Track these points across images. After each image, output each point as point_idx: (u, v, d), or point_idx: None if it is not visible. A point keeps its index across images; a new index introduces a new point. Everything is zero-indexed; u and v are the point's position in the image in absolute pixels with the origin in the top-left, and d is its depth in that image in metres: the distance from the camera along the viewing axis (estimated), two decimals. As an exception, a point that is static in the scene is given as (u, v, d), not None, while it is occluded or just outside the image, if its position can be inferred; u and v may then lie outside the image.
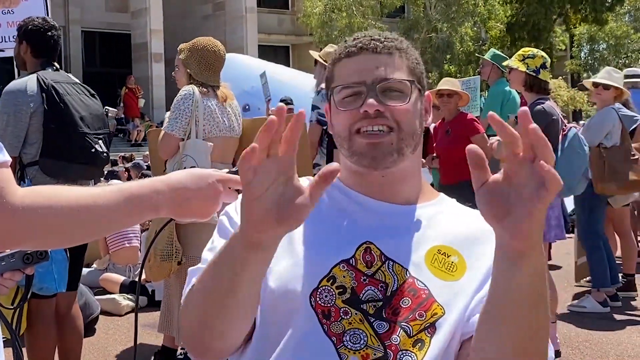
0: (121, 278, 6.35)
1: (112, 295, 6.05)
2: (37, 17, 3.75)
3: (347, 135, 1.37)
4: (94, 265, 6.77)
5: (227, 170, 1.42)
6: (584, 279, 6.42)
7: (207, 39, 4.23)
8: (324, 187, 1.02)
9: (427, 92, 1.44)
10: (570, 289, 6.46)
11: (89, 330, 5.20)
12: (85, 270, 5.85)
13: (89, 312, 5.23)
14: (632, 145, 5.55)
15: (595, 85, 5.75)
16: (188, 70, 4.09)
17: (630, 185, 5.44)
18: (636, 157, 5.46)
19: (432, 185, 6.05)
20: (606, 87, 5.65)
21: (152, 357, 4.39)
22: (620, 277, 6.07)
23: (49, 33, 3.70)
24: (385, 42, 1.38)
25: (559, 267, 7.33)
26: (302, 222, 1.04)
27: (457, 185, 5.61)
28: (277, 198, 1.03)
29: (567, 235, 5.47)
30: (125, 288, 6.19)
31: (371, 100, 1.33)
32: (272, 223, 1.04)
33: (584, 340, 4.92)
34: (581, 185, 4.64)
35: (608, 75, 5.72)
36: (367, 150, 1.34)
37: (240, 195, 1.39)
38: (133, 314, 5.71)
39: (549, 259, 6.73)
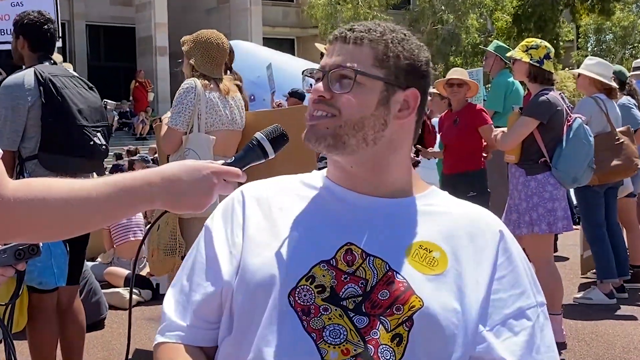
0: (125, 272, 6.36)
1: (117, 289, 6.06)
2: (33, 11, 3.73)
3: (308, 116, 1.41)
4: (99, 259, 6.79)
5: (223, 162, 1.41)
6: (590, 271, 6.40)
7: (210, 31, 4.21)
8: None
9: (411, 89, 1.39)
10: (576, 280, 6.44)
11: (98, 326, 5.22)
12: (89, 264, 5.86)
13: (99, 312, 5.24)
14: (618, 130, 5.51)
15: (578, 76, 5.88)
16: (191, 62, 4.07)
17: (612, 171, 5.39)
18: (621, 141, 5.42)
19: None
20: (579, 75, 5.76)
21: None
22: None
23: (45, 27, 3.69)
24: (355, 32, 1.38)
25: (565, 259, 7.31)
26: None
27: (464, 174, 5.61)
28: None
29: (574, 226, 5.43)
30: (129, 281, 6.19)
31: (318, 85, 1.38)
32: None
33: (590, 332, 4.90)
34: (586, 175, 4.61)
35: (584, 65, 5.77)
36: (307, 131, 1.39)
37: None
38: (137, 308, 5.71)
39: (555, 250, 6.70)
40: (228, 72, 4.65)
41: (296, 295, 1.28)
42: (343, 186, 1.41)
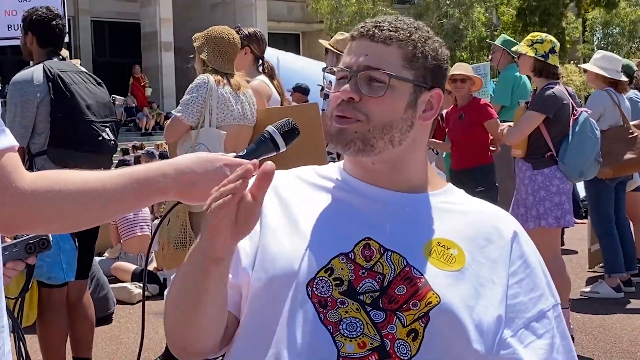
0: (133, 267, 6.38)
1: (124, 284, 6.08)
2: (41, 7, 3.75)
3: (330, 117, 1.39)
4: (106, 254, 6.80)
5: (235, 154, 1.41)
6: (598, 265, 6.39)
7: (221, 27, 4.27)
8: (265, 187, 1.15)
9: (436, 89, 1.39)
10: (583, 274, 6.44)
11: (106, 320, 5.24)
12: (96, 259, 5.88)
13: (107, 307, 5.26)
14: (632, 123, 5.51)
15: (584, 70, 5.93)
16: (202, 57, 4.10)
17: (626, 165, 5.39)
18: (635, 134, 5.41)
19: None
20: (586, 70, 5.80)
21: (165, 345, 4.40)
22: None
23: (54, 22, 3.70)
24: (384, 31, 1.35)
25: (572, 253, 7.30)
26: (252, 229, 1.19)
27: (471, 169, 5.61)
28: (234, 214, 1.16)
29: (580, 221, 5.43)
30: (136, 277, 6.21)
31: (346, 87, 1.35)
32: (233, 238, 1.19)
33: (597, 326, 4.90)
34: (593, 169, 4.61)
35: (592, 60, 5.80)
36: (334, 134, 1.37)
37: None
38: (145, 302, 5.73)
39: (562, 244, 6.70)
40: (260, 60, 4.69)
41: (314, 286, 1.28)
42: (360, 179, 1.41)
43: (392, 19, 1.39)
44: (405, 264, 1.30)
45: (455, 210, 1.40)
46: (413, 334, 1.26)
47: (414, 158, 1.40)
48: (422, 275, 1.29)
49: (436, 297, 1.27)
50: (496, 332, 1.30)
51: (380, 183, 1.39)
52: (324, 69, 1.47)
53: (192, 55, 4.30)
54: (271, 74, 4.71)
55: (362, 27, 1.39)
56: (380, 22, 1.38)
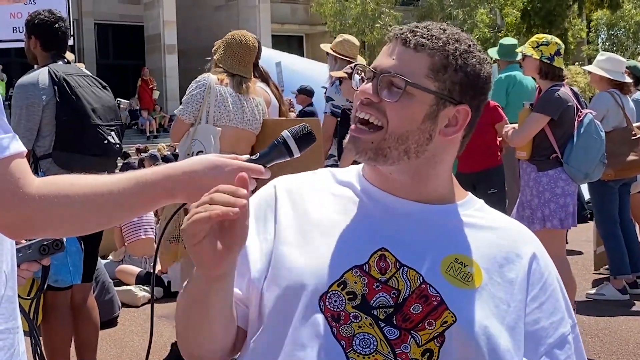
0: (137, 269, 6.38)
1: (129, 287, 6.07)
2: (44, 10, 3.76)
3: (352, 118, 1.37)
4: (110, 257, 6.80)
5: (247, 158, 1.39)
6: (603, 267, 6.37)
7: (238, 31, 4.38)
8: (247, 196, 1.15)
9: (463, 105, 1.32)
10: (589, 276, 6.42)
11: (111, 323, 5.25)
12: (101, 262, 5.88)
13: (112, 310, 5.26)
14: (635, 125, 5.51)
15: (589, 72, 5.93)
16: (214, 58, 4.21)
17: (629, 166, 5.38)
18: (638, 136, 5.41)
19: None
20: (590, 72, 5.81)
21: (170, 347, 4.40)
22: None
23: (57, 25, 3.70)
24: (417, 37, 1.30)
25: (578, 255, 7.27)
26: (246, 240, 1.17)
27: (483, 172, 5.60)
28: (217, 232, 1.14)
29: (587, 222, 5.42)
30: (141, 279, 6.21)
31: (367, 86, 1.32)
32: (222, 255, 1.15)
33: (603, 328, 4.88)
34: (598, 171, 4.60)
35: (595, 62, 5.80)
36: (350, 140, 1.35)
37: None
38: (149, 305, 5.72)
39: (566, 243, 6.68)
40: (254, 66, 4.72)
41: (327, 300, 1.26)
42: (380, 188, 1.37)
43: (435, 26, 1.33)
44: (422, 281, 1.27)
45: (475, 225, 1.36)
46: (428, 354, 1.23)
47: (433, 173, 1.35)
48: (438, 293, 1.26)
49: (452, 317, 1.24)
50: (510, 356, 1.26)
51: (399, 193, 1.35)
52: (355, 66, 1.42)
53: (209, 58, 4.36)
54: (265, 79, 4.72)
55: (399, 29, 1.34)
56: (416, 27, 1.32)
